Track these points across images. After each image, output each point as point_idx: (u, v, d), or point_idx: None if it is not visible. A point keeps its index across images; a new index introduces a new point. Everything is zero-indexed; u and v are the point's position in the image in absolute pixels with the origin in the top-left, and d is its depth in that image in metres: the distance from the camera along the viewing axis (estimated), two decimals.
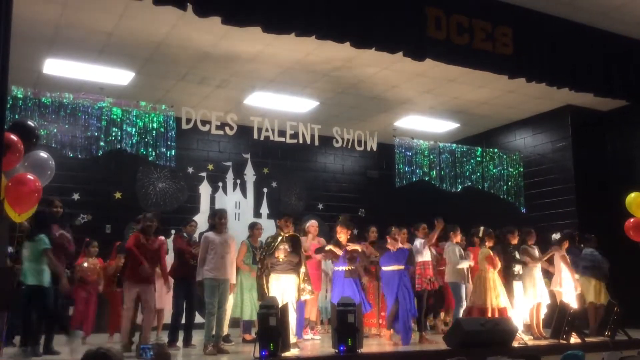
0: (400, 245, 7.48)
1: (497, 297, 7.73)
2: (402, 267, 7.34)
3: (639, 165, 10.24)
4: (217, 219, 6.91)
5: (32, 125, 6.19)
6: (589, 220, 9.77)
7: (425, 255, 7.80)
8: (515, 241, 8.21)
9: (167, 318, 7.81)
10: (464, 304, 7.94)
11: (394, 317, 7.27)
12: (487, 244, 8.05)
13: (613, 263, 8.77)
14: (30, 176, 5.48)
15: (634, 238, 8.36)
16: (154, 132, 8.51)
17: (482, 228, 8.46)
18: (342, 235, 7.32)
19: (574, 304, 8.02)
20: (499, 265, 7.92)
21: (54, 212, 6.68)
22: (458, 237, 8.22)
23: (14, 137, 5.24)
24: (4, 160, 4.65)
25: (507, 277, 8.09)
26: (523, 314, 8.07)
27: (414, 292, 7.46)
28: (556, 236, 8.93)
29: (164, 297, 7.53)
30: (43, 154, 6.04)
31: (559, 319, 7.54)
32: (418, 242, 7.90)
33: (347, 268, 7.17)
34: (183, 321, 7.39)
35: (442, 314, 9.17)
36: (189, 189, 10.90)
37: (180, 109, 7.91)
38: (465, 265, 8.07)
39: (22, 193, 5.35)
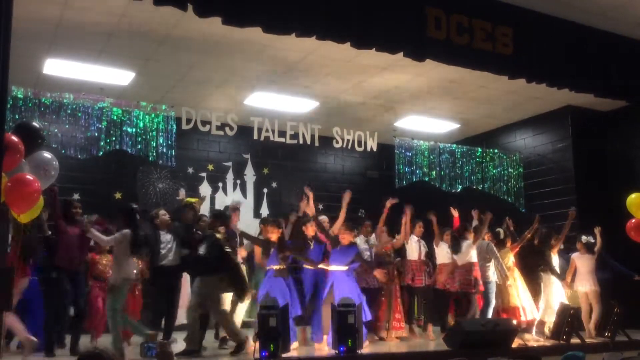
0: (350, 240, 6.98)
1: (524, 297, 7.91)
2: (343, 267, 6.81)
3: (639, 165, 10.23)
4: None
5: (37, 126, 6.21)
6: (590, 220, 9.74)
7: (473, 257, 7.71)
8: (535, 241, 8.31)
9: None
10: (493, 304, 7.83)
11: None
12: (507, 244, 8.10)
13: None
14: (29, 176, 5.44)
15: (635, 239, 8.33)
16: (154, 132, 8.52)
17: (501, 230, 8.52)
18: (274, 234, 6.92)
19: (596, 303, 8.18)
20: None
21: (74, 212, 6.72)
22: (485, 236, 8.14)
23: (14, 138, 5.23)
24: (5, 160, 4.65)
25: (536, 278, 8.12)
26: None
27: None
28: (589, 239, 8.71)
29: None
30: (47, 155, 6.03)
31: (560, 319, 7.53)
32: (465, 243, 7.79)
33: (277, 267, 6.73)
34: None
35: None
36: (189, 189, 10.88)
37: (181, 109, 7.91)
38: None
39: (25, 194, 5.33)
